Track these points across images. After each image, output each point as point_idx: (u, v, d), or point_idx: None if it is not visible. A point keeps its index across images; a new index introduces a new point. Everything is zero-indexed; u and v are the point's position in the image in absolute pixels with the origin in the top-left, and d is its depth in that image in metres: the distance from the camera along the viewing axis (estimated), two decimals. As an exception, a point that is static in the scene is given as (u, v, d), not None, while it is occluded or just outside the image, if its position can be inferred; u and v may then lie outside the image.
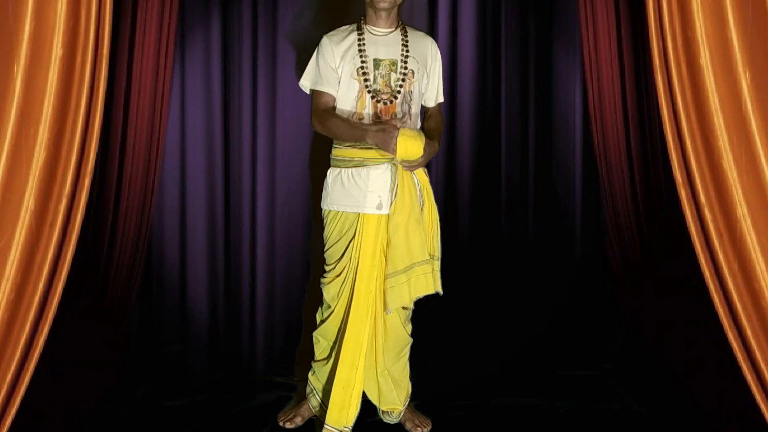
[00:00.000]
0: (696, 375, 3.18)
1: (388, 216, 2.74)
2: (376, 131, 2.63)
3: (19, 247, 2.17)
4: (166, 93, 3.39)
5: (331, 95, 2.79)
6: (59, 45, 2.19)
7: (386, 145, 2.61)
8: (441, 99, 2.97)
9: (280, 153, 3.59)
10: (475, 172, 3.72)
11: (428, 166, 3.61)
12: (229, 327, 3.64)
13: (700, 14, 2.35)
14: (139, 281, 3.48)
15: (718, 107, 2.35)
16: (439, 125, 2.94)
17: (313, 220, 3.58)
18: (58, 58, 2.20)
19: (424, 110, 3.00)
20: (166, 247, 3.61)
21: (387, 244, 2.75)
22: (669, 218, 3.35)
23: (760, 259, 2.34)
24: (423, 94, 2.89)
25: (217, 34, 3.55)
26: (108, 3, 2.37)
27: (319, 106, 2.80)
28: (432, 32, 3.63)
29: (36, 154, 2.18)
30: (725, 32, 2.32)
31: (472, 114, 3.70)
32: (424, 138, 2.67)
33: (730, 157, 2.35)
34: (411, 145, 2.62)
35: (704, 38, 2.35)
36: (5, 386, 2.19)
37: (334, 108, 2.81)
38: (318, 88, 2.81)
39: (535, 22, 3.73)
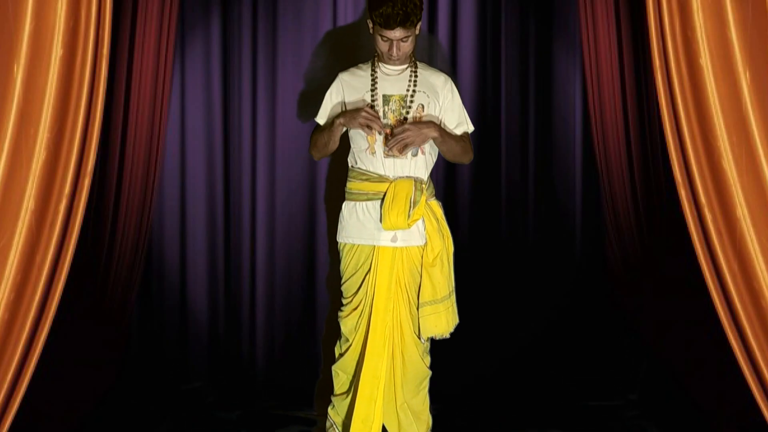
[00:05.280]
0: (696, 375, 3.18)
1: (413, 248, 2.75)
2: (345, 112, 2.72)
3: (19, 247, 2.17)
4: (166, 93, 3.39)
5: None
6: (59, 45, 2.19)
7: (353, 119, 2.66)
8: (469, 129, 2.88)
9: (280, 153, 3.59)
10: (475, 171, 3.71)
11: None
12: (229, 327, 3.64)
13: (700, 14, 2.34)
14: (139, 281, 3.48)
15: (718, 107, 2.35)
16: (461, 141, 2.83)
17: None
18: (58, 58, 2.20)
19: None
20: (166, 247, 3.61)
21: (423, 273, 2.76)
22: (669, 218, 3.35)
23: (760, 259, 2.34)
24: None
25: (217, 34, 3.55)
26: (108, 3, 2.36)
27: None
28: (432, 32, 3.63)
29: (36, 154, 2.18)
30: (725, 32, 2.32)
31: (472, 114, 3.68)
32: (412, 206, 2.68)
33: (730, 157, 2.35)
34: (395, 219, 2.66)
35: (704, 38, 2.35)
36: (5, 386, 2.19)
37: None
38: (319, 121, 2.86)
39: (535, 22, 3.73)
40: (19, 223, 2.17)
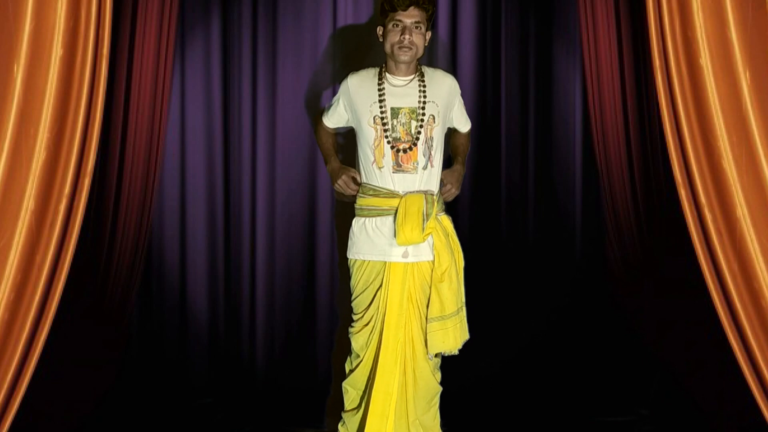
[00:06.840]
0: (696, 375, 3.18)
1: (422, 263, 2.74)
2: (332, 168, 2.86)
3: (19, 247, 2.17)
4: (166, 93, 3.39)
5: (333, 130, 2.96)
6: (59, 45, 2.20)
7: (333, 180, 2.83)
8: (468, 125, 2.99)
9: (280, 153, 3.59)
10: (475, 171, 3.71)
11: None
12: (229, 327, 3.64)
13: (700, 14, 2.35)
14: (139, 281, 3.48)
15: (718, 107, 2.36)
16: (466, 142, 3.01)
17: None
18: (58, 58, 2.20)
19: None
20: (166, 247, 3.61)
21: (432, 289, 2.74)
22: (669, 218, 3.35)
23: (760, 259, 2.35)
24: (447, 127, 2.89)
25: (217, 34, 3.55)
26: (108, 3, 2.37)
27: (321, 121, 2.96)
28: (432, 32, 3.62)
29: (36, 154, 2.19)
30: (725, 32, 2.32)
31: (472, 114, 3.68)
32: (426, 219, 2.68)
33: (730, 157, 2.36)
34: (410, 233, 2.66)
35: (704, 38, 2.35)
36: (5, 386, 2.19)
37: (334, 134, 2.98)
38: (324, 119, 2.92)
39: (535, 22, 3.72)
40: (19, 223, 2.17)
